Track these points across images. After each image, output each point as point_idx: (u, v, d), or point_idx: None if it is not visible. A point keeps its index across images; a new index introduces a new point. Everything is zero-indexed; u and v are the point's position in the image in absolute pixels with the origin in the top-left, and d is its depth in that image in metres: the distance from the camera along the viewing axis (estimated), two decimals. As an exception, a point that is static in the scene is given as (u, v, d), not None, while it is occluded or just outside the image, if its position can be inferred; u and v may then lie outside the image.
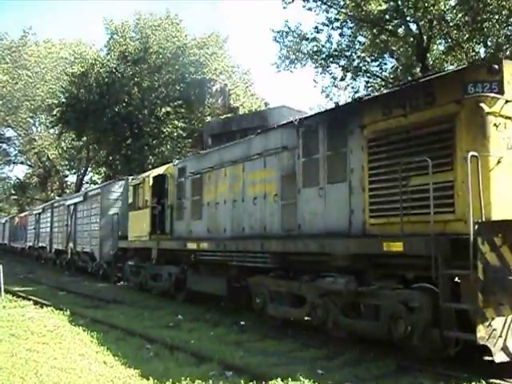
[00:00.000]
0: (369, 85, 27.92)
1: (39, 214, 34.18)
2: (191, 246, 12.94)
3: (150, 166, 26.96)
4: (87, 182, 49.12)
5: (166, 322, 11.31)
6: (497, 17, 20.70)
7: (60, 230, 28.22)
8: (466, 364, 6.88)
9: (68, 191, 46.76)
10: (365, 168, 8.17)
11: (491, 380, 6.31)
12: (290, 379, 6.43)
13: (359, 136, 8.34)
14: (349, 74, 27.21)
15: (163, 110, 33.42)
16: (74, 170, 51.27)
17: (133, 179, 18.55)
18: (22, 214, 42.72)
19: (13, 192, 59.68)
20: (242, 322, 10.87)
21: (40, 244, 33.13)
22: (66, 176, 54.17)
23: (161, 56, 32.40)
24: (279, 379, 6.41)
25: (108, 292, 17.15)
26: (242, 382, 6.56)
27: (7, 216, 54.66)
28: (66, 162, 50.37)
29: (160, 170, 15.88)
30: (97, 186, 23.36)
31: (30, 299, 14.78)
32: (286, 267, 9.99)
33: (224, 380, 6.73)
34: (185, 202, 14.11)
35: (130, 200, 17.85)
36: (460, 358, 6.92)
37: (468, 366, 6.80)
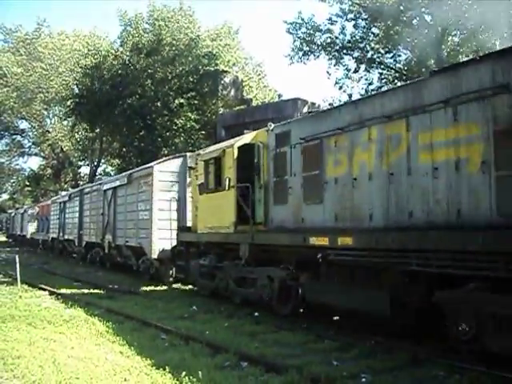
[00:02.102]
0: (382, 77, 27.81)
1: (65, 202, 30.15)
2: (319, 241, 9.06)
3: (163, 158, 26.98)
4: (100, 174, 49.46)
5: (181, 312, 11.35)
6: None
7: (93, 219, 23.98)
8: (481, 358, 6.84)
9: (81, 183, 47.00)
10: None
11: (506, 374, 6.26)
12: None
13: None
14: (362, 66, 27.14)
15: (176, 101, 33.51)
16: (87, 162, 51.71)
17: (199, 153, 14.45)
18: (44, 203, 39.24)
19: (27, 183, 60.27)
20: (256, 314, 10.89)
21: (66, 236, 29.25)
22: (80, 168, 54.69)
23: (174, 48, 32.48)
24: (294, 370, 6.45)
25: (122, 283, 17.22)
26: (258, 372, 6.62)
27: (22, 206, 55.10)
28: (80, 154, 50.77)
29: (246, 139, 12.02)
30: (146, 165, 19.19)
31: (45, 289, 14.95)
32: None
33: (240, 370, 6.79)
34: (290, 180, 10.38)
35: (200, 180, 13.42)
36: (476, 351, 6.89)
37: (483, 360, 6.77)
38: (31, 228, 41.51)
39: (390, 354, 7.41)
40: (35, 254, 34.49)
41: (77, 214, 26.99)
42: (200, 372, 6.38)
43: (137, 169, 20.28)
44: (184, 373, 6.37)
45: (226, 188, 11.90)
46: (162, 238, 16.36)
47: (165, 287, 15.85)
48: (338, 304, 9.09)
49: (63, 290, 14.76)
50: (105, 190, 22.03)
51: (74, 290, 15.18)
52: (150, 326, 9.67)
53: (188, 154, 17.32)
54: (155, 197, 16.82)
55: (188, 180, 16.53)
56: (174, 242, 15.72)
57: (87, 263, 24.09)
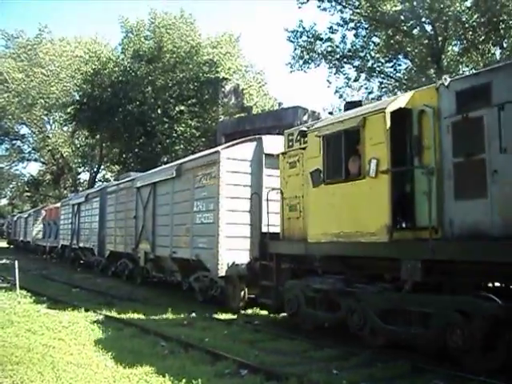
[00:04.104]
0: (383, 86, 27.94)
1: (79, 204, 26.09)
2: None
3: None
4: (100, 180, 49.51)
5: (180, 319, 11.33)
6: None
7: (120, 224, 19.73)
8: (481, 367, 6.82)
9: (81, 188, 47.00)
10: None
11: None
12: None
13: None
14: (363, 75, 27.28)
15: (176, 108, 33.65)
16: (86, 168, 51.82)
17: (304, 129, 10.02)
18: (52, 206, 35.92)
19: (26, 189, 60.29)
20: (256, 322, 10.86)
21: (81, 244, 25.22)
22: (79, 173, 54.78)
23: (175, 55, 32.65)
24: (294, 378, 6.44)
25: (121, 289, 17.15)
26: (258, 380, 6.60)
27: (22, 211, 54.99)
28: (79, 160, 50.88)
29: (399, 102, 8.10)
30: (206, 151, 15.59)
31: (44, 295, 14.91)
32: None
33: (240, 378, 6.77)
34: (495, 160, 6.67)
35: (313, 166, 9.39)
36: (475, 359, 6.88)
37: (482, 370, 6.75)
38: (36, 233, 38.40)
39: (390, 363, 7.39)
40: (38, 260, 33.42)
41: (96, 218, 22.85)
42: (200, 379, 6.37)
43: (190, 157, 16.24)
44: (184, 380, 6.38)
45: (372, 174, 8.07)
46: (232, 249, 12.33)
47: (233, 316, 11.89)
48: None
49: (62, 296, 14.71)
50: (138, 188, 17.73)
51: (73, 297, 15.15)
52: (150, 333, 9.65)
53: (264, 136, 13.44)
54: (223, 193, 12.58)
55: (265, 171, 12.86)
56: (249, 255, 12.36)
57: (110, 276, 20.85)
